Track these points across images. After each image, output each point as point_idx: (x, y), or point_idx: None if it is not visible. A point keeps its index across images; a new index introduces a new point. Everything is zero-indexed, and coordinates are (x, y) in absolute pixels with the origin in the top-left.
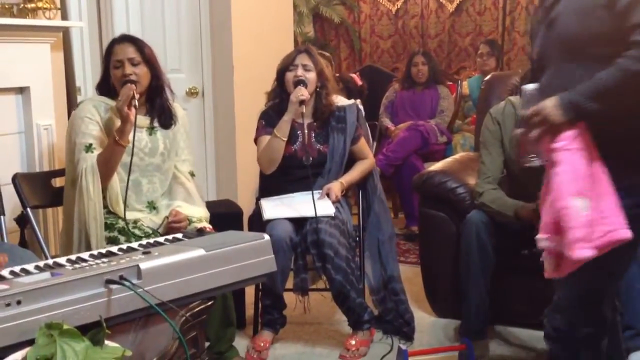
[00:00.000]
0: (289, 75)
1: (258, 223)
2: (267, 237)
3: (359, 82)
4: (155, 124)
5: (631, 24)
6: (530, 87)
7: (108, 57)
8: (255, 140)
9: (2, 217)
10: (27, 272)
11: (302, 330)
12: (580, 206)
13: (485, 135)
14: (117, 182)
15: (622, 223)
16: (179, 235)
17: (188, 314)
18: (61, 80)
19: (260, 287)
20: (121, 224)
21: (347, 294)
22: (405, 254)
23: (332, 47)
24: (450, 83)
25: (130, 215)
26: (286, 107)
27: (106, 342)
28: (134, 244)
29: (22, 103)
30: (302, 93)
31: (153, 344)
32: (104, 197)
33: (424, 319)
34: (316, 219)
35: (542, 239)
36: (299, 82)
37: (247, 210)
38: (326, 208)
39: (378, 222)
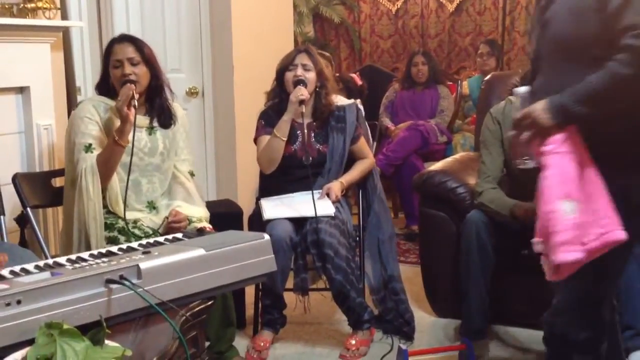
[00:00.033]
0: (289, 75)
1: (258, 223)
2: (267, 237)
3: (359, 82)
4: (155, 123)
5: (622, 26)
6: (522, 89)
7: (107, 57)
8: (255, 140)
9: (2, 216)
10: (27, 271)
11: (302, 330)
12: (567, 209)
13: (485, 135)
14: (116, 182)
15: (616, 224)
16: (179, 235)
17: (188, 314)
18: (61, 80)
19: (260, 286)
20: (121, 223)
21: (347, 294)
22: (406, 253)
23: (332, 47)
24: (450, 83)
25: (130, 215)
26: (286, 106)
27: (106, 341)
28: (134, 244)
29: (22, 103)
30: (302, 93)
31: (153, 344)
32: (104, 197)
33: (424, 318)
34: (316, 219)
35: (537, 242)
36: (299, 81)
37: (247, 210)
38: (326, 208)
39: (378, 221)
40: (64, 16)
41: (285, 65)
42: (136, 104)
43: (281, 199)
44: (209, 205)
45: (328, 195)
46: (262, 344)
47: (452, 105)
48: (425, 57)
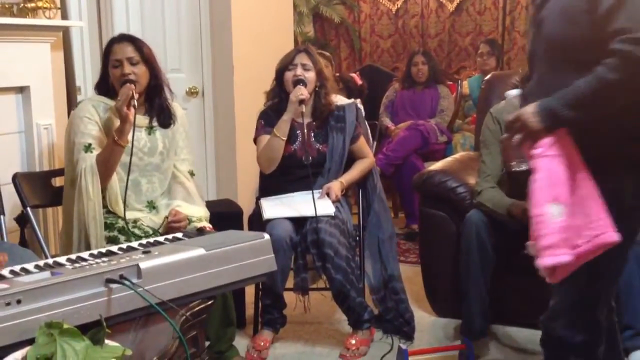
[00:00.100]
0: (288, 75)
1: (258, 222)
2: (267, 236)
3: (359, 82)
4: (155, 123)
5: (612, 29)
6: (513, 92)
7: (107, 57)
8: (255, 140)
9: (2, 216)
10: (27, 271)
11: (302, 330)
12: (554, 213)
13: (485, 135)
14: (116, 182)
15: (608, 226)
16: (179, 235)
17: (188, 313)
18: (61, 80)
19: (260, 286)
20: (121, 223)
21: (347, 294)
22: (406, 253)
23: (332, 47)
24: (451, 83)
25: (130, 215)
26: (285, 106)
27: (106, 341)
28: (134, 244)
29: (22, 103)
30: (302, 92)
31: (153, 343)
32: (104, 197)
33: (424, 318)
34: (316, 219)
35: (532, 245)
36: (298, 81)
37: (247, 209)
38: (326, 207)
39: (378, 221)
40: (64, 16)
41: (285, 65)
42: (136, 103)
43: (281, 198)
44: (209, 205)
45: (328, 194)
46: (262, 344)
47: (452, 105)
48: (426, 57)
